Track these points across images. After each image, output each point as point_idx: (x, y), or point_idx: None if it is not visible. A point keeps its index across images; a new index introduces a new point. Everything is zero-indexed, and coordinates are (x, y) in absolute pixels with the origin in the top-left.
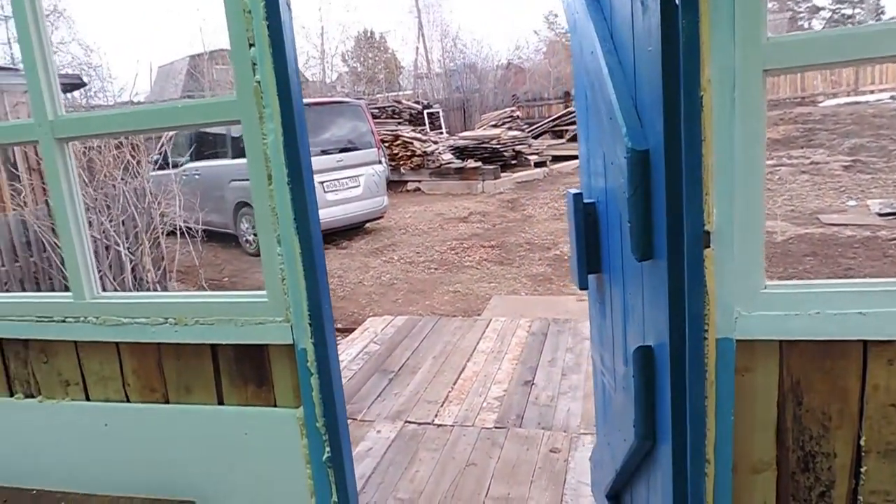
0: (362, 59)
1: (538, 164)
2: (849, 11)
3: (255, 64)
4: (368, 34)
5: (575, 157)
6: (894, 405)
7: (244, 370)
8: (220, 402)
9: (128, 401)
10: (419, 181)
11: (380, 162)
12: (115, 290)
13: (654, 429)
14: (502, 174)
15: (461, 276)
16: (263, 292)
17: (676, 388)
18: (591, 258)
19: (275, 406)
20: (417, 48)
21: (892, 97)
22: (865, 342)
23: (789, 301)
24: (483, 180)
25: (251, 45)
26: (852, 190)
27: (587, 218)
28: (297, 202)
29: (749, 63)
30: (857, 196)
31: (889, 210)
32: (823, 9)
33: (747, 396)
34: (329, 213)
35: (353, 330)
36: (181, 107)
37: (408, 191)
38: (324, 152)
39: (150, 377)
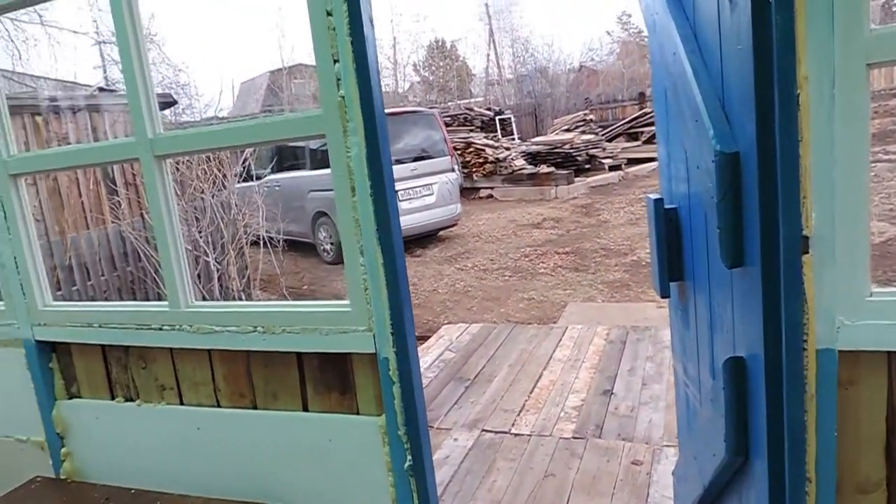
0: (434, 67)
1: (613, 168)
2: None
3: (339, 79)
4: (439, 43)
5: (651, 160)
6: None
7: (328, 378)
8: (305, 409)
9: (218, 406)
10: (492, 188)
11: (453, 170)
12: (204, 297)
13: (747, 444)
14: (576, 179)
15: (536, 283)
16: (346, 302)
17: (772, 402)
18: (672, 265)
19: (357, 413)
20: (488, 55)
21: None
22: None
23: None
24: (556, 185)
25: (335, 61)
26: None
27: (668, 223)
28: (379, 213)
29: (850, 57)
30: None
31: None
32: None
33: (852, 411)
34: (403, 222)
35: (429, 338)
36: (269, 122)
37: (480, 198)
38: (398, 161)
39: (240, 383)
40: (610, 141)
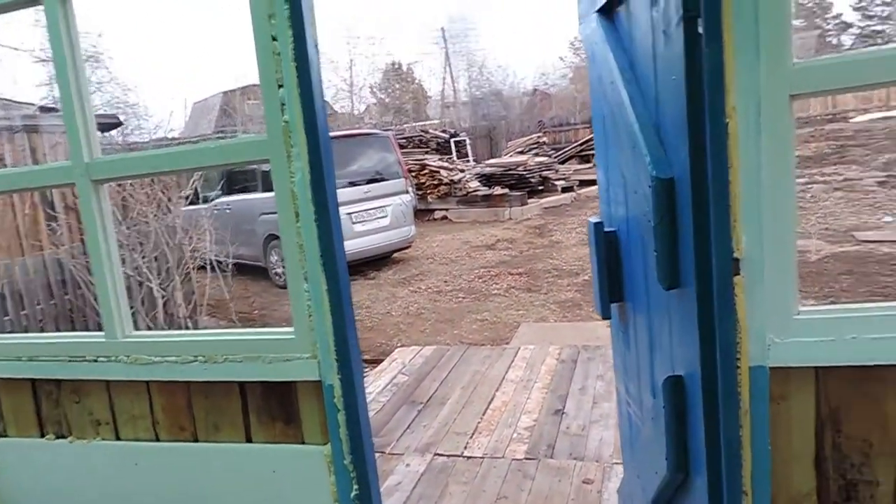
0: (390, 90)
1: (565, 190)
2: (879, 27)
3: (283, 104)
4: (396, 66)
5: None
6: None
7: (272, 407)
8: (249, 440)
9: (157, 440)
10: (446, 209)
11: (407, 192)
12: (149, 326)
13: (687, 461)
14: (529, 200)
15: (489, 304)
16: (291, 329)
17: (710, 419)
18: (613, 287)
19: (303, 443)
20: (444, 78)
21: None
22: None
23: (824, 327)
24: (510, 207)
25: (280, 86)
26: (888, 206)
27: (608, 246)
28: (323, 239)
29: (775, 88)
30: (893, 212)
31: None
32: (852, 25)
33: (783, 425)
34: (357, 244)
35: (382, 361)
36: (213, 147)
37: (435, 219)
38: (351, 184)
39: (180, 415)
40: (563, 163)
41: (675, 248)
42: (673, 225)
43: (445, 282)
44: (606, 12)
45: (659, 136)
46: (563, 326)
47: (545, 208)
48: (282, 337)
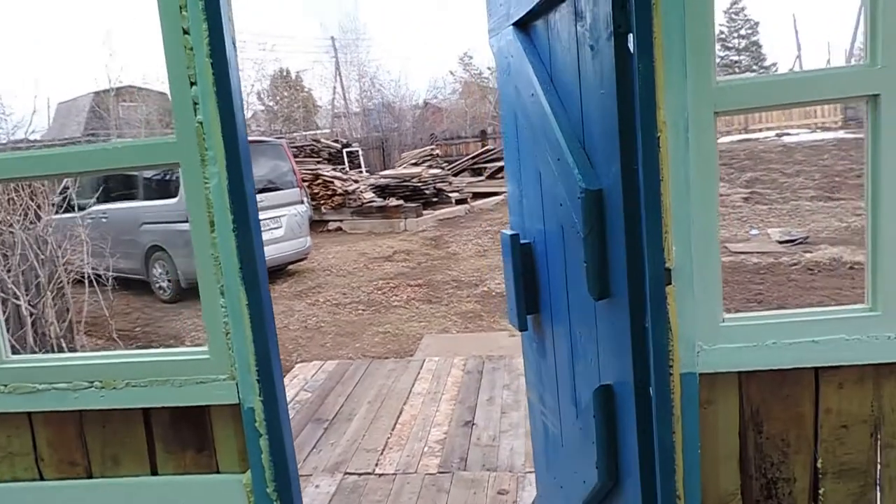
0: (278, 97)
1: (459, 202)
2: (735, 58)
3: (196, 104)
4: (284, 73)
5: (495, 194)
6: (845, 426)
7: (182, 435)
8: (154, 472)
9: (41, 479)
10: (341, 220)
11: (302, 202)
12: (14, 348)
13: (618, 468)
14: (424, 212)
15: (390, 316)
16: (204, 348)
17: (642, 425)
18: (528, 299)
19: (217, 472)
20: (335, 87)
21: (776, 135)
22: (817, 369)
23: (747, 333)
24: (405, 218)
25: (192, 84)
26: (753, 219)
27: (524, 258)
28: (243, 250)
29: (701, 105)
30: (757, 225)
31: (787, 238)
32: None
33: (710, 429)
34: None
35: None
36: (112, 149)
37: (329, 230)
38: None
39: (70, 449)
40: (455, 175)
41: (604, 258)
42: (602, 236)
43: (344, 294)
44: (523, 25)
45: (584, 149)
46: (466, 337)
47: (440, 220)
48: (194, 357)
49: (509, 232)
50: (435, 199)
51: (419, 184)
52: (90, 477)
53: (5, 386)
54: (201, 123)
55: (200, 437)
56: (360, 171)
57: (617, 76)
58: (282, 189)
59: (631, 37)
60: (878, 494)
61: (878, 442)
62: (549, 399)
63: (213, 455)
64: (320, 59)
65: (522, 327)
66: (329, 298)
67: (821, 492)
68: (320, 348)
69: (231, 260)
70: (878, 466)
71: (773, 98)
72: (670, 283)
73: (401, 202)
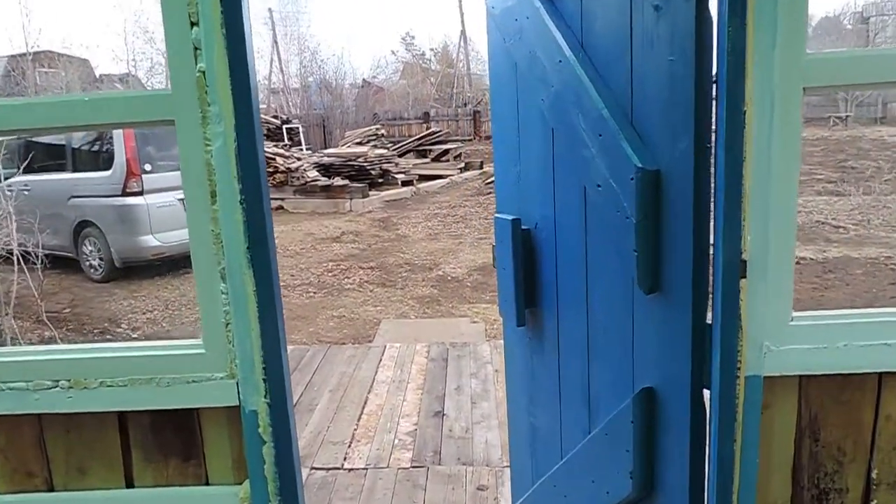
0: None
1: (405, 183)
2: None
3: (197, 49)
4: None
5: (440, 177)
6: None
7: (164, 441)
8: (130, 484)
9: None
10: (282, 199)
11: None
12: None
13: (654, 479)
14: (370, 193)
15: (344, 299)
16: (197, 341)
17: (696, 432)
18: (528, 291)
19: (207, 484)
20: (272, 61)
21: None
22: (881, 374)
23: (817, 333)
24: (351, 199)
25: (193, 24)
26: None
27: (524, 246)
28: (253, 226)
29: (790, 79)
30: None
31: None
32: None
33: (766, 436)
34: (184, 235)
35: None
36: (89, 101)
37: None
38: (178, 167)
39: (26, 457)
40: (401, 156)
41: (658, 247)
42: (657, 222)
43: (292, 276)
44: None
45: (632, 124)
46: (426, 323)
47: (386, 201)
48: (185, 352)
49: (507, 216)
50: (381, 180)
51: (365, 164)
52: (51, 490)
53: None
54: (203, 73)
55: (187, 443)
56: (300, 149)
57: (697, 41)
58: None
59: None
60: None
61: None
62: (545, 399)
63: (202, 464)
64: (257, 31)
65: (521, 322)
66: None
67: (873, 503)
68: None
69: (237, 238)
70: None
71: (871, 75)
72: (745, 276)
73: (346, 182)
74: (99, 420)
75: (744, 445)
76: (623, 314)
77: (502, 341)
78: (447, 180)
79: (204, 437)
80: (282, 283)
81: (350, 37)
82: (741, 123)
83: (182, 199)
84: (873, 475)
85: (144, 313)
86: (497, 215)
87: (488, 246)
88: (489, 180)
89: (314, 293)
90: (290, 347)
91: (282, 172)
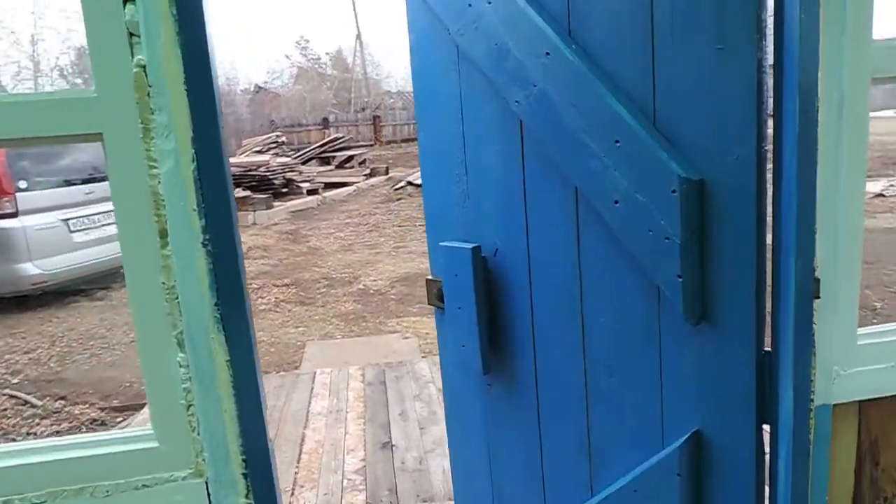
0: (87, 74)
1: (311, 192)
2: None
3: (133, 35)
4: None
5: (346, 185)
6: None
7: None
8: None
9: None
10: None
11: None
12: None
13: None
14: (275, 203)
15: (261, 321)
16: (146, 430)
17: (757, 475)
18: (492, 330)
19: None
20: None
21: None
22: None
23: (882, 352)
24: (255, 211)
25: (127, 1)
26: None
27: (486, 279)
28: (224, 274)
29: (858, 70)
30: None
31: None
32: None
33: (830, 465)
34: (78, 258)
35: (141, 406)
36: None
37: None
38: (67, 182)
39: None
40: (303, 164)
41: (704, 271)
42: (702, 242)
43: None
44: None
45: (656, 128)
46: (355, 342)
47: (293, 212)
48: (132, 447)
49: (464, 245)
50: (285, 190)
51: (267, 173)
52: None
53: None
54: (144, 68)
55: None
56: None
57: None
58: None
59: None
60: None
61: None
62: (516, 456)
63: None
64: None
65: (488, 369)
66: None
67: None
68: None
69: (198, 290)
70: None
71: None
72: (818, 297)
73: (248, 193)
74: None
75: (813, 480)
76: (646, 350)
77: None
78: (354, 188)
79: None
80: None
81: (241, 42)
82: (815, 122)
83: (66, 221)
84: None
85: (26, 353)
86: (444, 244)
87: (407, 255)
88: (397, 186)
89: None
90: None
91: None
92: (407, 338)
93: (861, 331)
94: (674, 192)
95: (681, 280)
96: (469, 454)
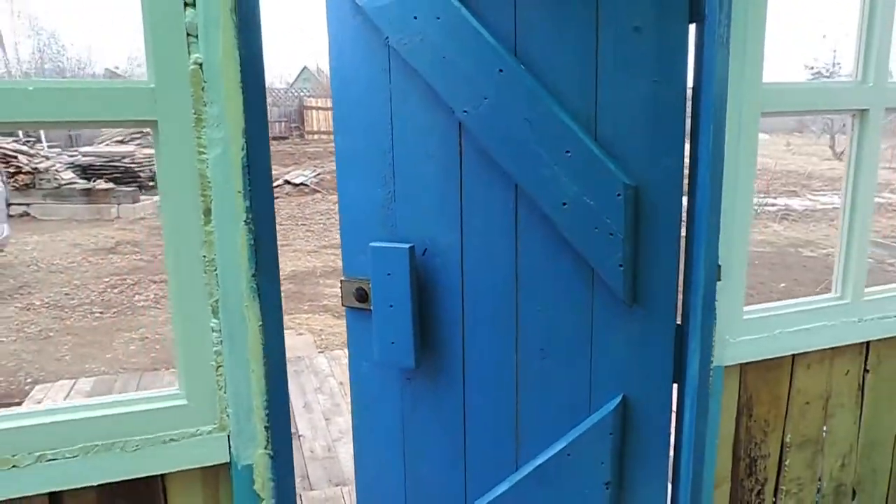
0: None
1: None
2: None
3: (191, 35)
4: None
5: None
6: (808, 402)
7: None
8: None
9: None
10: (28, 205)
11: None
12: None
13: (624, 481)
14: (142, 197)
15: (141, 319)
16: (174, 390)
17: (677, 427)
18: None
19: None
20: None
21: None
22: (794, 355)
23: (760, 325)
24: (119, 204)
25: (188, 5)
26: None
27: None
28: (263, 250)
29: (751, 104)
30: None
31: None
32: None
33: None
34: None
35: (16, 406)
36: (32, 89)
37: (12, 216)
38: None
39: None
40: None
41: (637, 261)
42: (636, 236)
43: (67, 294)
44: None
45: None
46: None
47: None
48: (161, 405)
49: (399, 245)
50: (151, 184)
51: (132, 164)
52: None
53: None
54: (200, 65)
55: None
56: (39, 144)
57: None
58: None
59: (706, 24)
60: (821, 458)
61: (826, 412)
62: (437, 446)
63: None
64: None
65: (418, 364)
66: (48, 301)
67: (786, 463)
68: (58, 363)
69: (237, 264)
70: (824, 433)
71: (813, 103)
72: (720, 279)
73: (111, 185)
74: None
75: (708, 431)
76: (580, 332)
77: (337, 353)
78: None
79: None
80: (55, 305)
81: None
82: (723, 143)
83: None
84: (787, 439)
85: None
86: (375, 244)
87: (293, 253)
88: (274, 184)
89: (101, 314)
90: (91, 379)
91: (27, 174)
92: (301, 334)
93: (745, 308)
94: (619, 195)
95: (621, 268)
96: (381, 448)
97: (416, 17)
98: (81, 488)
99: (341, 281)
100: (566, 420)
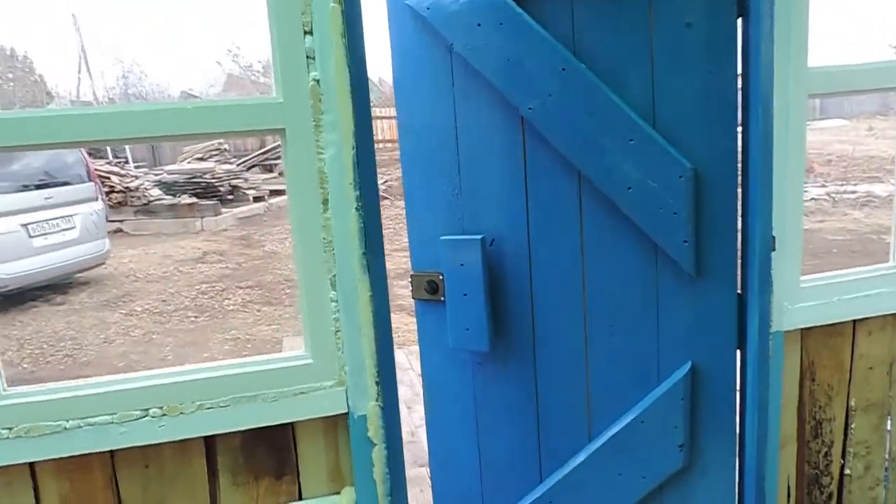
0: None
1: (257, 199)
2: None
3: (309, 57)
4: (9, 52)
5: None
6: (871, 368)
7: (257, 460)
8: None
9: None
10: (121, 221)
11: (97, 199)
12: None
13: (695, 446)
14: (223, 210)
15: (232, 321)
16: (300, 352)
17: (742, 394)
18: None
19: (299, 499)
20: (80, 72)
21: None
22: (855, 321)
23: (818, 292)
24: (202, 218)
25: (307, 33)
26: None
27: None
28: (370, 233)
29: (798, 87)
30: None
31: None
32: None
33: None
34: (38, 263)
35: None
36: (191, 108)
37: (108, 233)
38: (25, 188)
39: (93, 502)
40: (247, 171)
41: (700, 236)
42: (698, 214)
43: (164, 301)
44: None
45: (654, 126)
46: None
47: (240, 219)
48: (291, 364)
49: (472, 236)
50: (230, 197)
51: (213, 180)
52: None
53: (10, 429)
54: (318, 81)
55: (282, 459)
56: (125, 163)
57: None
58: (70, 184)
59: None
60: (889, 423)
61: (891, 378)
62: (509, 424)
63: (296, 480)
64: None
65: (492, 346)
66: (148, 307)
67: (852, 427)
68: (161, 362)
69: (350, 244)
70: (891, 399)
71: (858, 84)
72: (774, 249)
73: (195, 200)
74: (183, 449)
75: (771, 395)
76: (646, 306)
77: (414, 348)
78: None
79: (299, 451)
80: (154, 311)
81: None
82: (772, 126)
83: (26, 226)
84: (851, 404)
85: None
86: (446, 237)
87: None
88: None
89: (196, 317)
90: None
91: (119, 192)
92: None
93: (802, 278)
94: (680, 177)
95: (686, 244)
96: (454, 431)
97: (479, 24)
98: (229, 434)
99: (411, 275)
100: (636, 390)
